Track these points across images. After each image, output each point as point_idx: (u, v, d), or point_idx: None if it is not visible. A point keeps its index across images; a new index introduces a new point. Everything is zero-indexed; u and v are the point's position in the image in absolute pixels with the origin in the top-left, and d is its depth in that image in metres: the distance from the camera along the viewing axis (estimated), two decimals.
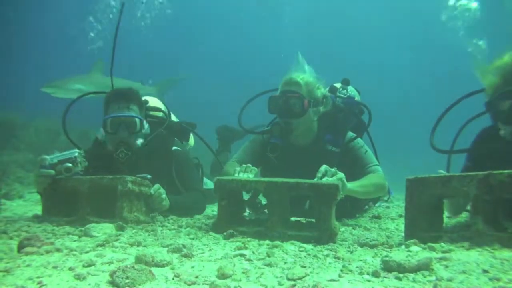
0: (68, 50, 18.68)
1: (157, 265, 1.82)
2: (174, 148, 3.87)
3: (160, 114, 4.17)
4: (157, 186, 3.30)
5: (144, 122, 3.68)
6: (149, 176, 3.33)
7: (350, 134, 3.88)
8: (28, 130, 10.05)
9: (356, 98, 4.48)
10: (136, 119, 3.59)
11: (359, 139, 3.86)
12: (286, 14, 24.35)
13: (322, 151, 3.76)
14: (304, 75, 3.76)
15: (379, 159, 3.95)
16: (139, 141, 3.60)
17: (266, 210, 3.59)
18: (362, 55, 24.21)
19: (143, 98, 4.00)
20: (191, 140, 4.83)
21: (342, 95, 4.20)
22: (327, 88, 4.00)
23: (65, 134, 4.02)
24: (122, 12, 4.54)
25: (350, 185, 3.25)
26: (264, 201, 3.70)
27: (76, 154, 3.30)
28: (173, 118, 4.69)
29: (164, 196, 3.31)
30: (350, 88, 4.38)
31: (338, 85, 4.30)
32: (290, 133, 3.70)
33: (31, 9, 19.00)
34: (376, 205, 5.16)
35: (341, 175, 3.07)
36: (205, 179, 4.70)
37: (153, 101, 4.32)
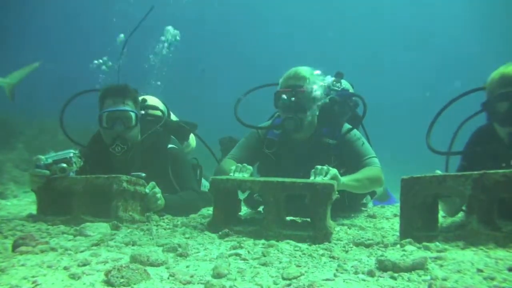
0: (68, 50, 18.63)
1: (152, 264, 1.82)
2: (170, 146, 3.87)
3: (158, 112, 4.16)
4: (151, 184, 3.29)
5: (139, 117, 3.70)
6: (143, 175, 3.33)
7: (347, 126, 3.87)
8: (26, 129, 10.00)
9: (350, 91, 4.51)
10: (132, 114, 3.61)
11: (355, 130, 3.85)
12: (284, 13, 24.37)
13: (319, 145, 3.75)
14: (308, 68, 3.75)
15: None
16: (135, 135, 3.62)
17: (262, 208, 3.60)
18: (359, 53, 24.24)
19: (142, 97, 4.00)
20: (192, 141, 4.81)
21: (336, 88, 4.20)
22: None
23: (63, 132, 4.01)
24: (149, 13, 4.47)
25: (344, 179, 3.25)
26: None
27: (71, 154, 3.29)
28: (173, 117, 4.68)
29: (159, 195, 3.31)
30: (343, 81, 4.39)
31: (331, 78, 4.30)
32: (302, 128, 3.69)
33: (36, 9, 18.87)
34: (371, 204, 5.17)
35: (333, 171, 3.06)
36: (205, 182, 4.68)
37: (151, 100, 4.32)
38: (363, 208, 4.50)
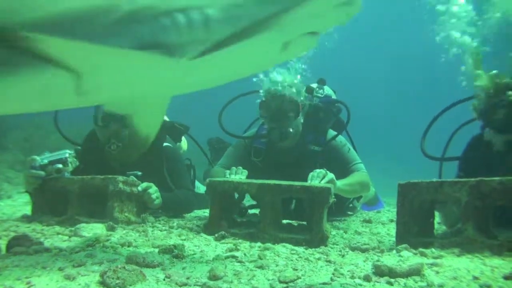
0: None
1: (148, 265, 1.81)
2: (165, 144, 3.87)
3: None
4: (144, 184, 3.26)
5: None
6: (139, 173, 3.32)
7: (331, 132, 3.90)
8: (18, 130, 9.93)
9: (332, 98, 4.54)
10: None
11: (340, 137, 3.90)
12: None
13: (305, 152, 3.77)
14: (290, 76, 3.75)
15: (363, 159, 3.98)
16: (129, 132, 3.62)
17: (250, 211, 3.60)
18: (353, 59, 24.29)
19: None
20: (184, 144, 4.81)
21: (319, 95, 4.22)
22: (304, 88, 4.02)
23: (58, 131, 3.99)
24: None
25: (339, 183, 3.28)
26: (247, 203, 3.69)
27: (67, 154, 3.27)
28: (166, 119, 4.67)
29: (155, 195, 3.28)
30: (326, 88, 4.41)
31: (314, 85, 4.32)
32: (287, 137, 3.69)
33: None
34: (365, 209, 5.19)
35: (330, 175, 3.08)
36: (197, 183, 4.68)
37: None
38: (349, 212, 4.51)
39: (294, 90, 3.67)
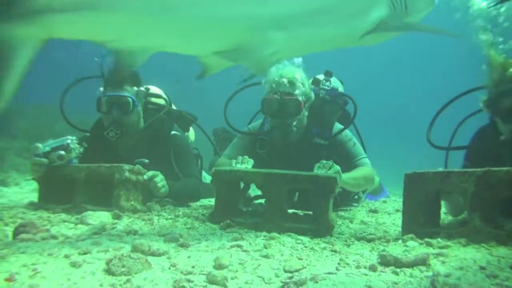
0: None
1: (153, 254, 1.81)
2: (173, 132, 3.87)
3: (162, 101, 4.16)
4: (151, 173, 3.27)
5: (137, 103, 3.71)
6: (146, 161, 3.34)
7: (338, 126, 3.85)
8: (24, 118, 9.97)
9: (339, 89, 4.48)
10: (129, 99, 3.62)
11: (347, 131, 3.85)
12: None
13: (310, 145, 3.74)
14: (295, 69, 3.68)
15: (368, 151, 3.99)
16: (133, 120, 3.65)
17: (256, 201, 3.61)
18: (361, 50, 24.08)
19: (145, 86, 4.00)
20: (191, 134, 4.81)
21: (326, 87, 4.16)
22: (310, 80, 3.97)
23: (65, 119, 3.99)
24: None
25: (344, 176, 3.25)
26: (253, 194, 3.70)
27: (69, 141, 3.27)
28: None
29: (161, 184, 3.29)
30: (333, 79, 4.35)
31: (321, 77, 4.27)
32: (290, 133, 3.66)
33: None
34: (373, 200, 5.20)
35: (337, 167, 3.06)
36: (204, 173, 4.69)
37: (154, 89, 4.31)
38: (355, 204, 4.51)
39: (296, 86, 3.61)
